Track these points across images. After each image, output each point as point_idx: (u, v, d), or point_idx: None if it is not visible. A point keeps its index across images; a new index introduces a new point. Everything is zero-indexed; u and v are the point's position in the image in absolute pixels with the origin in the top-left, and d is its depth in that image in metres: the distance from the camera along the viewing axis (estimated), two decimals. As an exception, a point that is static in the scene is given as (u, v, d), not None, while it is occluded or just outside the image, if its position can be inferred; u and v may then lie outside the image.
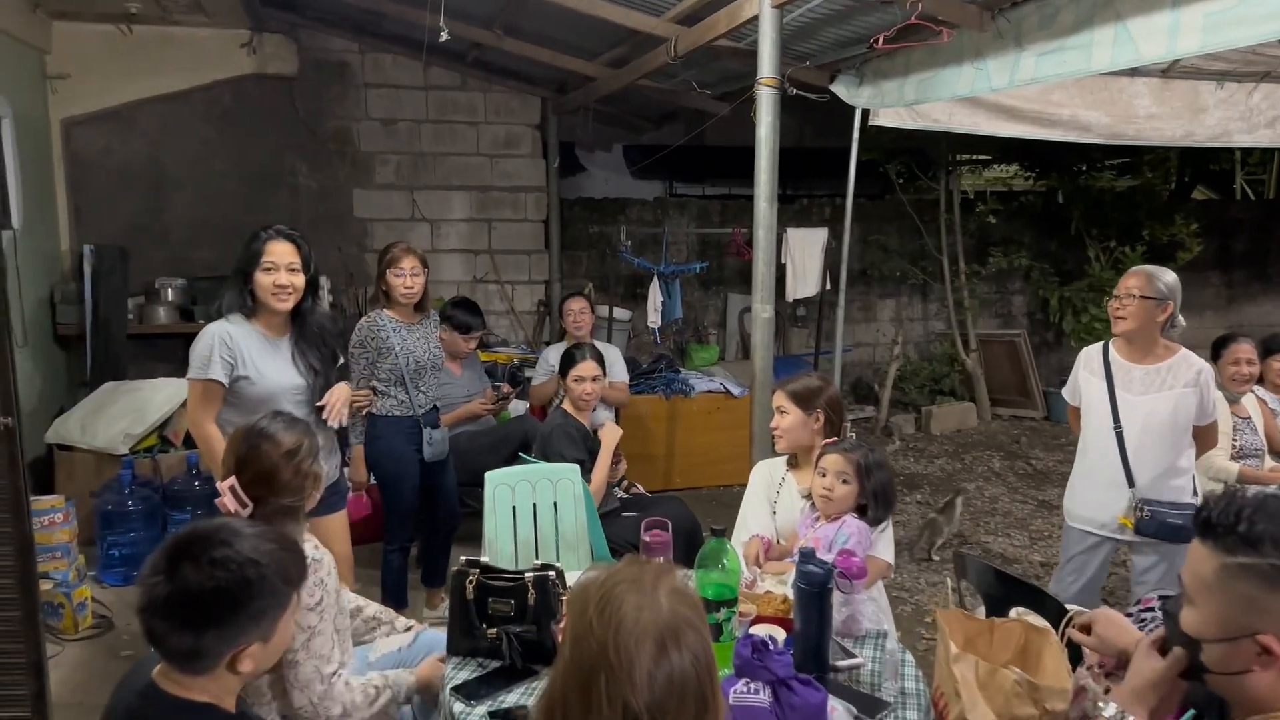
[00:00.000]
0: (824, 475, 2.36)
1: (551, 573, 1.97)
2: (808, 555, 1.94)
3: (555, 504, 3.08)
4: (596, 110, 6.48)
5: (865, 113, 4.47)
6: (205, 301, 5.52)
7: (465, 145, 6.35)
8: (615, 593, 1.14)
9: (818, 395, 2.70)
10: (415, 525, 3.73)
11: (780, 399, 2.73)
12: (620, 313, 6.37)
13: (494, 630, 1.93)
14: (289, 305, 2.75)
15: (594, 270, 7.07)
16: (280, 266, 2.70)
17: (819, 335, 6.47)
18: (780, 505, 2.71)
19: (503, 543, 3.00)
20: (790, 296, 5.88)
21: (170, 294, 5.57)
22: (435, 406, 3.77)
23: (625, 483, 4.20)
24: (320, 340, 2.86)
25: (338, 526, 2.97)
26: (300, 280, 2.75)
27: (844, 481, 2.32)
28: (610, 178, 8.45)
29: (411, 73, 6.20)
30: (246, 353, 2.71)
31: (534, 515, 3.06)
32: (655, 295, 5.75)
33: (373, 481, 3.63)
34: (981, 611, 2.58)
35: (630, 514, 3.52)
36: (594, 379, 3.49)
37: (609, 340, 5.67)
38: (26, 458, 4.79)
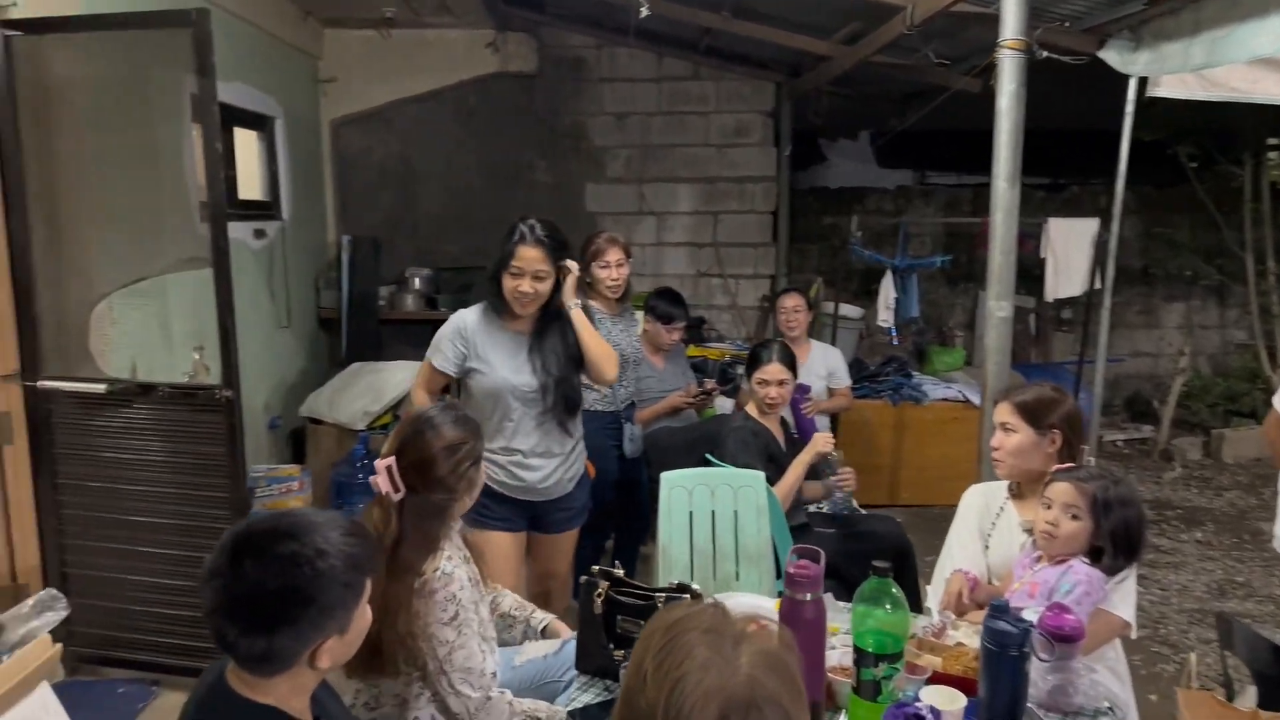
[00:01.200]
0: (1049, 507, 1.96)
1: (686, 595, 1.75)
2: (1001, 609, 1.58)
3: (736, 512, 2.85)
4: (834, 94, 6.12)
5: (1142, 86, 3.81)
6: (448, 291, 5.82)
7: (694, 136, 6.23)
8: (683, 641, 0.93)
9: (1052, 409, 2.26)
10: (611, 522, 3.66)
11: (1005, 413, 2.29)
12: (850, 310, 5.96)
13: (620, 652, 1.75)
14: (530, 311, 2.69)
15: (825, 264, 6.71)
16: (526, 274, 2.62)
17: (1085, 341, 5.69)
18: (995, 539, 2.31)
19: (677, 550, 2.81)
20: (1050, 295, 5.21)
21: (418, 283, 5.92)
22: (633, 402, 3.66)
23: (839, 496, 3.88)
24: (562, 344, 2.75)
25: (566, 545, 2.95)
26: (545, 287, 2.66)
27: (1073, 517, 1.91)
28: (856, 167, 8.01)
29: (645, 65, 6.16)
30: (480, 345, 2.70)
31: (712, 523, 2.85)
32: (888, 291, 5.31)
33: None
34: (1250, 696, 2.04)
35: (826, 530, 3.21)
36: (780, 383, 3.20)
37: (833, 341, 5.30)
38: (286, 430, 5.29)
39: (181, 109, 4.10)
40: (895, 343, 5.96)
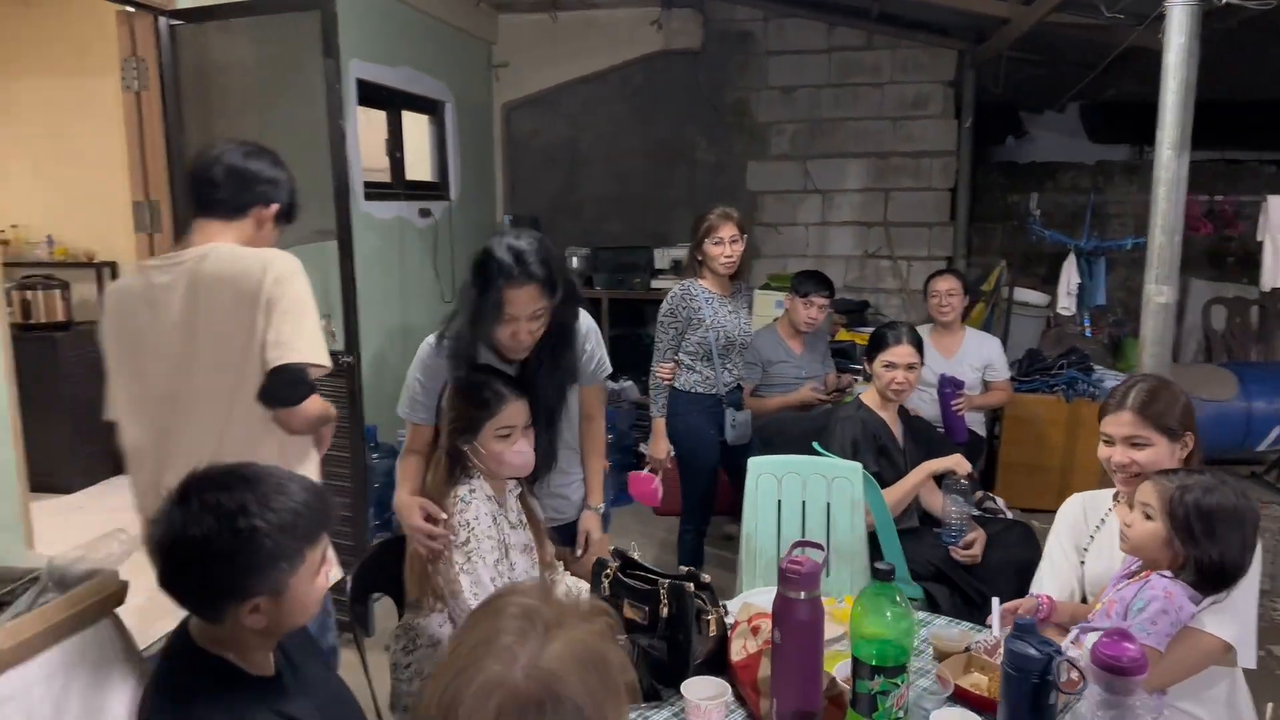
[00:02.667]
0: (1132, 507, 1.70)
1: (691, 584, 1.64)
2: (1026, 629, 1.37)
3: (829, 505, 2.67)
4: (1027, 61, 5.58)
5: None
6: (605, 270, 5.88)
7: (866, 109, 5.90)
8: (487, 625, 0.85)
9: (1176, 407, 1.93)
10: (710, 509, 3.56)
11: (1133, 423, 1.90)
12: (1031, 296, 5.46)
13: (623, 638, 1.68)
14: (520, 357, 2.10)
15: (1008, 245, 6.17)
16: (520, 318, 1.97)
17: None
18: (1093, 552, 2.02)
19: (763, 541, 2.67)
20: (1268, 284, 4.53)
21: (575, 262, 6.01)
22: (739, 386, 3.54)
23: (980, 495, 3.56)
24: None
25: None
26: (539, 329, 2.02)
27: (1146, 516, 1.63)
28: (1060, 141, 7.31)
29: (814, 35, 5.91)
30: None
31: (802, 515, 2.68)
32: (1070, 276, 4.81)
33: (674, 456, 3.50)
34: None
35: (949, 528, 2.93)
36: (908, 367, 2.95)
37: (1005, 331, 4.88)
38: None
39: (346, 92, 4.38)
40: (1088, 334, 5.40)
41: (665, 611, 1.62)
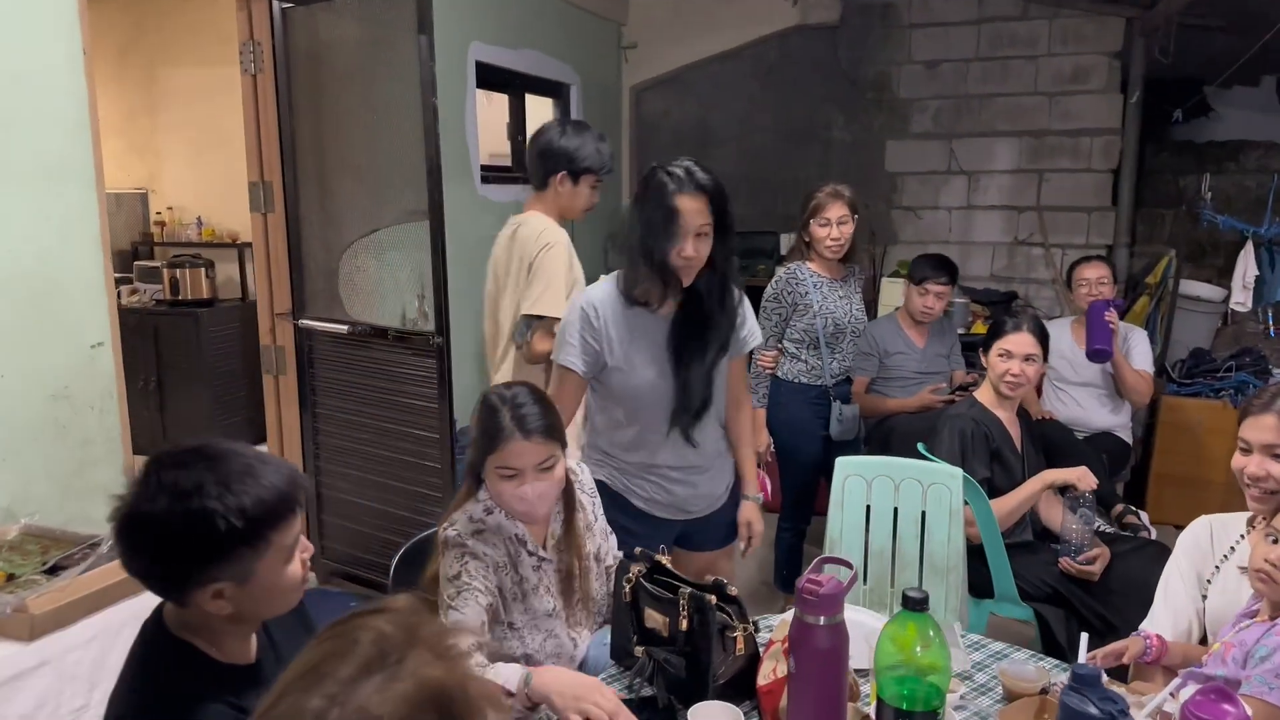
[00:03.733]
0: (1276, 541, 1.42)
1: (715, 595, 1.47)
2: (1086, 680, 1.13)
3: (924, 513, 2.42)
4: (1208, 29, 4.96)
5: None
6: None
7: (1019, 84, 5.42)
8: (330, 646, 0.74)
9: None
10: (812, 508, 3.33)
11: (1276, 430, 1.68)
12: (1201, 289, 4.87)
13: (642, 648, 1.53)
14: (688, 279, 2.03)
15: (1179, 234, 5.53)
16: (690, 231, 1.93)
17: None
18: (1218, 585, 1.72)
19: (848, 548, 2.45)
20: None
21: (701, 246, 5.86)
22: (848, 378, 3.29)
23: (1120, 509, 3.20)
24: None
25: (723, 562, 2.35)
26: (705, 249, 1.98)
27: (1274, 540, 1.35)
28: (1254, 119, 6.51)
29: (963, 6, 5.48)
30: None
31: (894, 522, 2.44)
32: (1247, 267, 4.24)
33: (773, 449, 3.31)
34: None
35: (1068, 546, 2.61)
36: (1026, 358, 2.64)
37: (1168, 329, 4.36)
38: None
39: (465, 75, 4.40)
40: (1272, 333, 4.77)
41: (685, 624, 1.47)
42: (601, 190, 3.03)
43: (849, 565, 1.30)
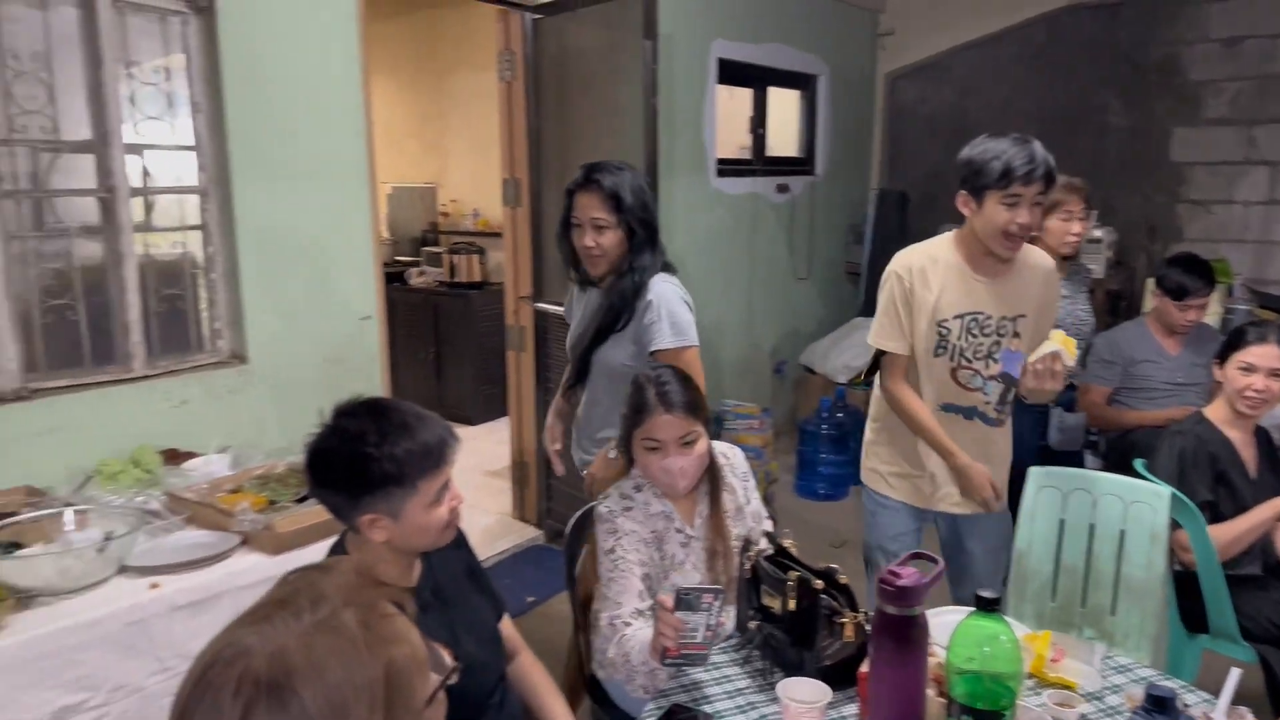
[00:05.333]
0: None
1: (820, 582, 1.52)
2: (1163, 701, 1.08)
3: (1123, 533, 2.24)
4: None
5: None
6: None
7: (1342, 58, 4.68)
8: (258, 609, 0.84)
9: None
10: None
11: None
12: None
13: (755, 624, 1.62)
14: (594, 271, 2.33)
15: None
16: (585, 223, 2.25)
17: None
18: None
19: (1036, 561, 2.34)
20: None
21: (950, 240, 5.64)
22: (1072, 384, 3.08)
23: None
24: None
25: None
26: (608, 240, 2.24)
27: None
28: None
29: (1276, -30, 4.82)
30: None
31: (1090, 540, 2.29)
32: None
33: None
34: None
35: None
36: (1271, 373, 2.35)
37: None
38: (792, 376, 5.55)
39: (705, 72, 4.58)
40: None
41: (791, 604, 1.53)
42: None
43: (935, 560, 1.30)
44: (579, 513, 2.20)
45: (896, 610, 1.26)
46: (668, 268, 2.34)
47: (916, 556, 1.32)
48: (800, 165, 5.50)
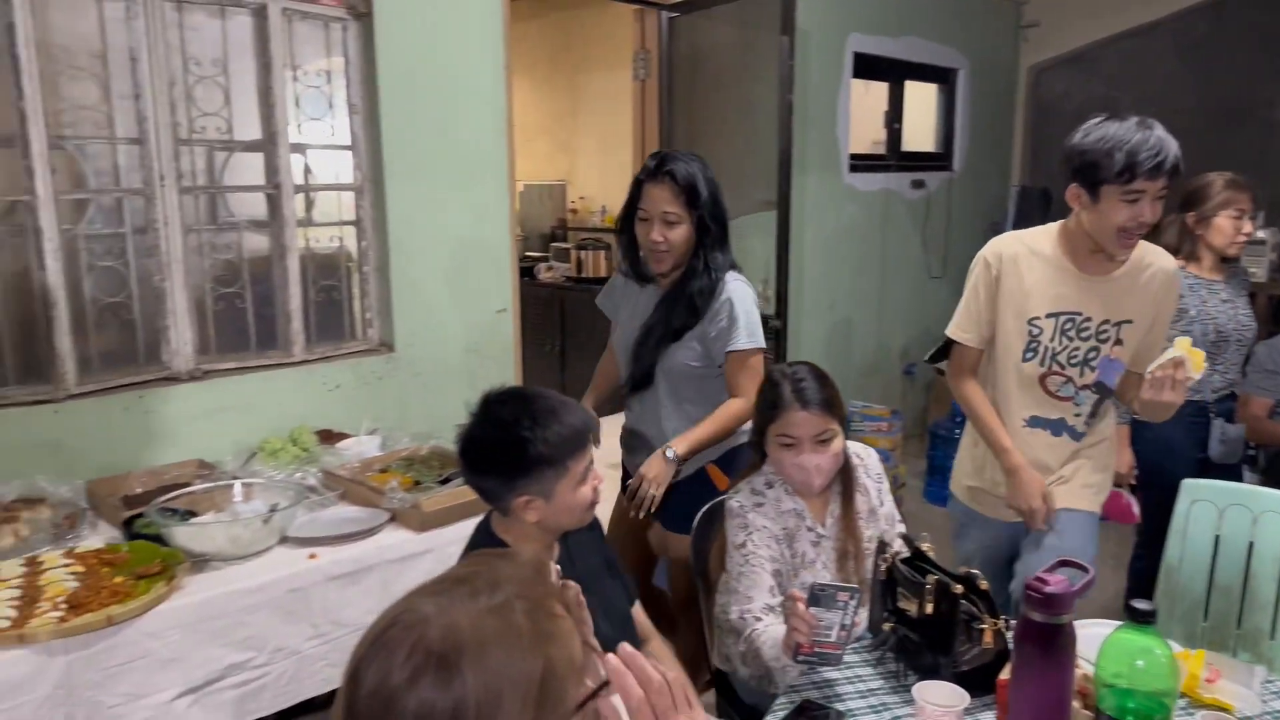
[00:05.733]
0: None
1: (960, 587, 1.49)
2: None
3: (1287, 553, 2.10)
4: None
5: None
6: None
7: None
8: (441, 580, 0.87)
9: None
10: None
11: None
12: None
13: (889, 625, 1.60)
14: (660, 268, 2.24)
15: None
16: (654, 216, 2.17)
17: None
18: None
19: (1187, 579, 2.22)
20: None
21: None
22: (1232, 393, 2.90)
23: None
24: None
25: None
26: (677, 236, 2.16)
27: None
28: None
29: None
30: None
31: (1248, 559, 2.16)
32: None
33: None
34: None
35: None
36: None
37: None
38: (924, 379, 5.42)
39: (840, 66, 4.53)
40: None
41: (929, 608, 1.51)
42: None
43: (1086, 570, 1.27)
44: (705, 506, 2.23)
45: (1043, 617, 1.23)
46: (733, 265, 2.27)
47: (1065, 564, 1.28)
48: (937, 161, 5.36)
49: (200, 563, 1.94)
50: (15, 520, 2.01)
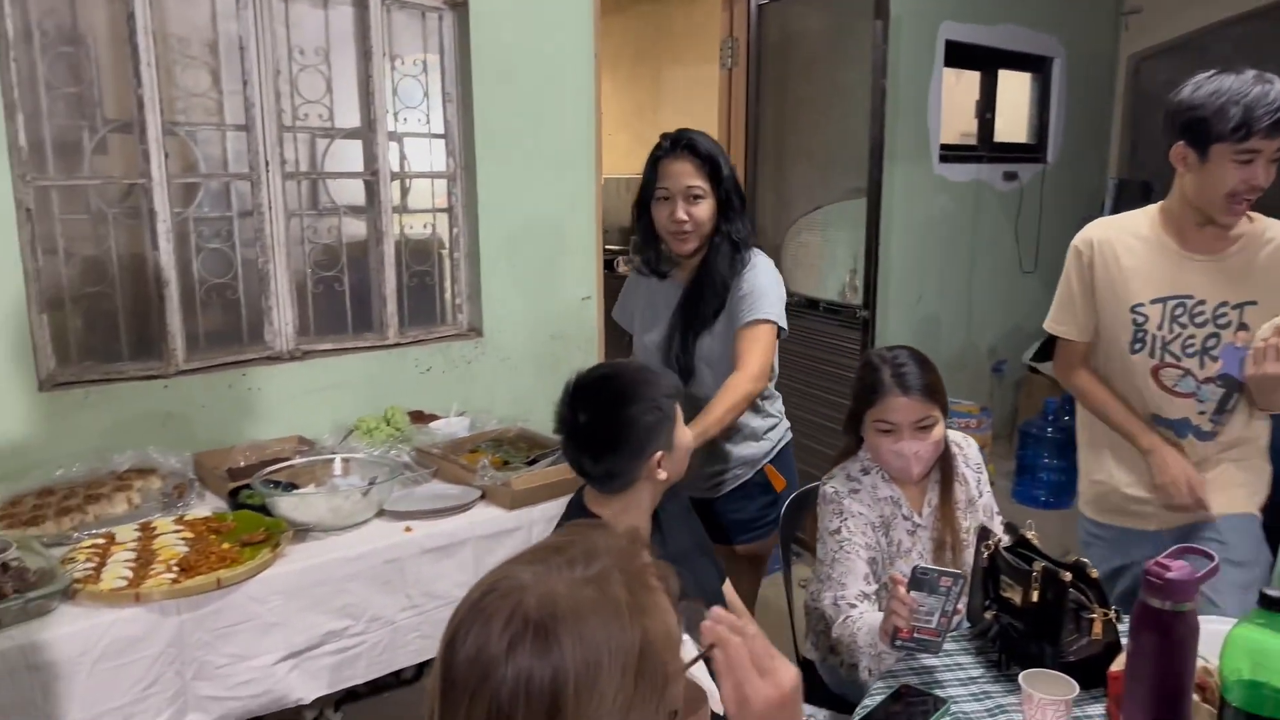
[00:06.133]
0: None
1: (1068, 574, 1.44)
2: None
3: None
4: None
5: None
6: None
7: None
8: (537, 550, 0.86)
9: None
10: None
11: None
12: None
13: (991, 613, 1.56)
14: (683, 248, 2.15)
15: None
16: (676, 194, 2.09)
17: None
18: None
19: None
20: None
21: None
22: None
23: None
24: None
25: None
26: (702, 212, 2.08)
27: None
28: None
29: None
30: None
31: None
32: None
33: None
34: None
35: None
36: None
37: None
38: (1013, 376, 5.28)
39: (931, 54, 4.44)
40: None
41: (1035, 596, 1.46)
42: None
43: (1211, 557, 1.21)
44: (796, 491, 2.20)
45: (1162, 604, 1.18)
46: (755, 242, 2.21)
47: (1188, 550, 1.23)
48: (1030, 152, 5.20)
49: (302, 532, 2.00)
50: (129, 489, 2.11)
